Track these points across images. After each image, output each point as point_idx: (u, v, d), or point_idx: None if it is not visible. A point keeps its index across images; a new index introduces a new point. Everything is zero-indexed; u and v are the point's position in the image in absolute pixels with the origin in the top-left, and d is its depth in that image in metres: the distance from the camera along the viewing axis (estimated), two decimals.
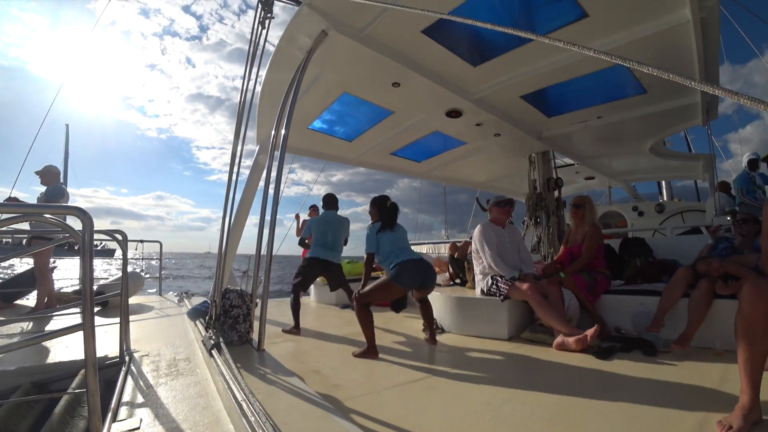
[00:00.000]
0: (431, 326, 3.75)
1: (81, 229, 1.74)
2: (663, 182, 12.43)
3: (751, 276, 2.79)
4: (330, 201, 5.08)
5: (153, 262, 8.56)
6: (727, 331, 2.73)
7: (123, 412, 2.17)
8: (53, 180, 5.38)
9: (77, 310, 4.96)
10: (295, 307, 4.37)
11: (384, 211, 3.73)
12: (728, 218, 4.88)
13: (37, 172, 5.40)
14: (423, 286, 3.55)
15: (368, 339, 3.25)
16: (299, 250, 8.01)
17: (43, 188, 5.26)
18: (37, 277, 5.27)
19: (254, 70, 3.68)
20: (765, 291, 1.77)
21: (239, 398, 1.86)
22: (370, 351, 3.22)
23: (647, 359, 2.94)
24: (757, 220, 3.62)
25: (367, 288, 3.40)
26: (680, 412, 2.01)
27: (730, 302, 2.84)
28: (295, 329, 4.20)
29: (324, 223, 4.85)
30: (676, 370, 2.70)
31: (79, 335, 1.66)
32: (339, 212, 5.09)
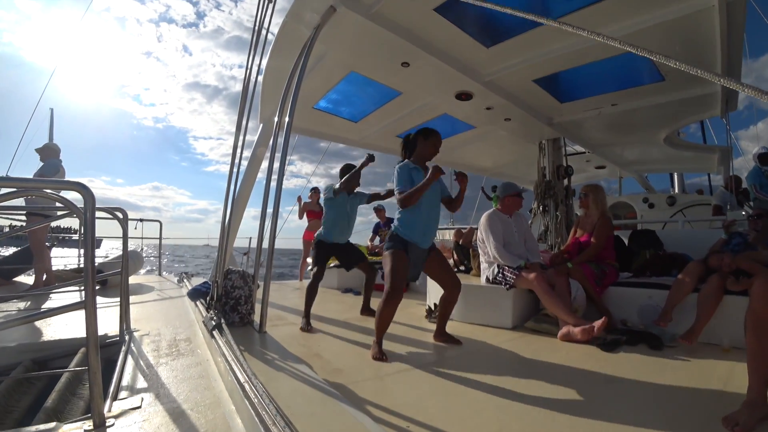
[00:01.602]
0: (443, 323, 3.32)
1: (82, 205, 1.74)
2: (675, 175, 12.36)
3: (763, 272, 2.79)
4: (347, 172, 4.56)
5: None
6: (736, 328, 2.74)
7: (124, 390, 2.20)
8: (50, 156, 5.40)
9: (76, 288, 5.02)
10: (310, 295, 3.96)
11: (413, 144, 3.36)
12: (743, 213, 4.85)
13: (37, 150, 5.43)
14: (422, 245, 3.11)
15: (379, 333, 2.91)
16: (299, 244, 8.12)
17: None
18: (34, 254, 5.32)
19: (258, 53, 3.63)
20: None
21: (241, 379, 1.88)
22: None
23: (653, 353, 2.95)
24: None
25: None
26: (686, 408, 2.03)
27: (741, 299, 2.84)
28: (306, 324, 3.73)
29: (338, 204, 4.32)
30: (682, 365, 2.72)
31: (80, 313, 1.68)
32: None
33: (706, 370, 2.60)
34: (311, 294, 3.93)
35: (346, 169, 4.40)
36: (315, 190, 8.28)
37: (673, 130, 6.40)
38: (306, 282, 7.36)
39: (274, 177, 3.19)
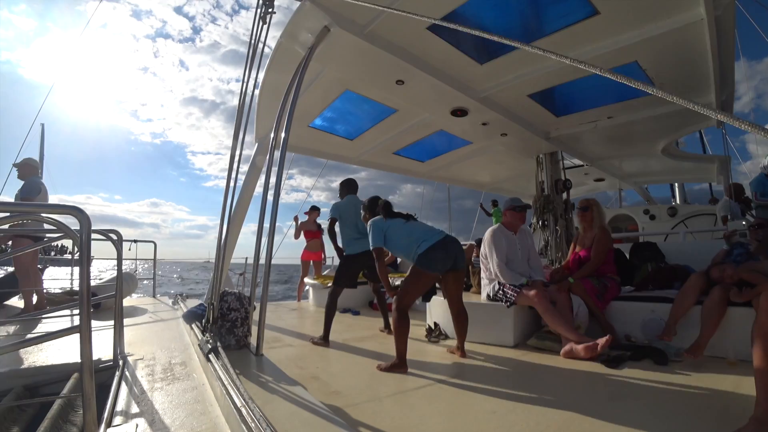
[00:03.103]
0: (461, 340, 3.48)
1: (78, 228, 1.76)
2: (676, 185, 12.42)
3: (767, 283, 2.81)
4: (351, 185, 4.73)
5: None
6: (741, 340, 2.76)
7: (118, 417, 2.19)
8: (31, 173, 5.33)
9: (68, 312, 4.99)
10: (329, 315, 4.12)
11: (377, 208, 3.63)
12: (743, 223, 4.89)
13: (16, 165, 5.38)
14: (455, 266, 3.28)
15: (400, 351, 3.04)
16: (298, 258, 8.04)
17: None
18: (19, 279, 5.27)
19: (254, 68, 3.70)
20: None
21: (238, 404, 1.88)
22: (401, 365, 3.00)
23: (658, 368, 2.96)
24: None
25: (400, 290, 3.18)
26: (692, 423, 2.03)
27: (745, 310, 2.85)
28: (323, 340, 3.98)
29: (354, 208, 4.45)
30: (687, 380, 2.72)
31: (73, 337, 1.69)
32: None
33: (712, 384, 2.61)
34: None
35: (347, 184, 4.60)
36: (313, 209, 8.24)
37: (671, 141, 6.48)
38: (304, 302, 7.32)
39: (271, 193, 3.22)
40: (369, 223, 3.53)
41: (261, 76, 4.19)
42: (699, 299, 3.33)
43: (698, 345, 3.06)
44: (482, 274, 4.15)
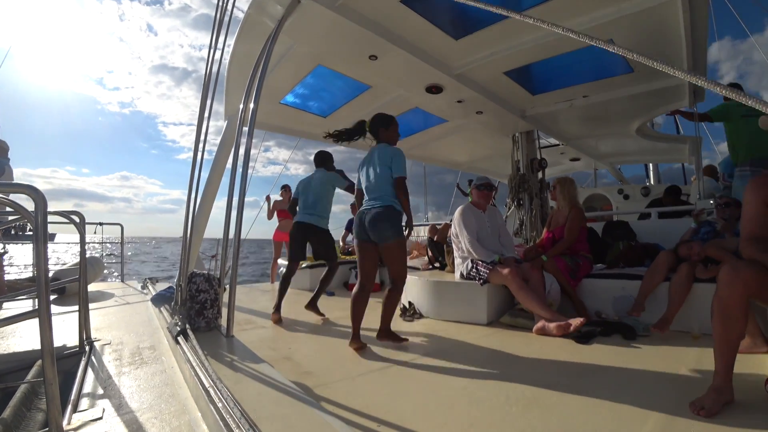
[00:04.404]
0: (382, 323, 3.27)
1: (33, 210, 1.71)
2: (651, 165, 12.72)
3: (730, 259, 2.93)
4: (320, 159, 4.65)
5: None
6: (705, 315, 2.86)
7: (84, 402, 2.18)
8: (1, 155, 5.23)
9: (27, 297, 4.88)
10: (281, 286, 4.29)
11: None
12: (711, 202, 5.06)
13: None
14: (369, 238, 3.15)
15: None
16: (271, 233, 7.97)
17: None
18: None
19: (221, 38, 3.61)
20: (742, 274, 1.85)
21: (207, 385, 1.89)
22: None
23: (626, 343, 3.07)
24: (740, 204, 3.77)
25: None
26: (656, 394, 2.13)
27: (710, 286, 2.95)
28: (275, 312, 4.06)
29: (305, 183, 4.49)
30: (654, 353, 2.84)
31: (34, 323, 1.66)
32: None
33: (677, 357, 2.73)
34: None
35: (323, 155, 4.57)
36: (285, 188, 8.13)
37: (645, 122, 6.63)
38: (278, 284, 7.32)
39: (240, 171, 3.19)
40: (400, 150, 3.27)
41: (230, 44, 4.09)
42: (667, 276, 3.47)
43: (665, 320, 3.19)
44: (455, 253, 4.21)
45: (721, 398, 1.87)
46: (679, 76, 1.21)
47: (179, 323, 2.94)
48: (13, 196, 1.99)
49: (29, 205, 1.76)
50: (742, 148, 4.66)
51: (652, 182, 12.50)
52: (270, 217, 7.98)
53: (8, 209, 2.80)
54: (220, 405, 1.67)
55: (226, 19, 3.57)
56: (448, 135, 7.14)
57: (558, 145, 8.07)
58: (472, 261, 3.94)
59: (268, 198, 8.10)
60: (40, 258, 1.72)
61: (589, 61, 4.65)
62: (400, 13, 3.64)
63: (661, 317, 3.23)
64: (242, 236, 3.24)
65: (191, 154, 3.80)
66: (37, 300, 1.65)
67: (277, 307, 4.09)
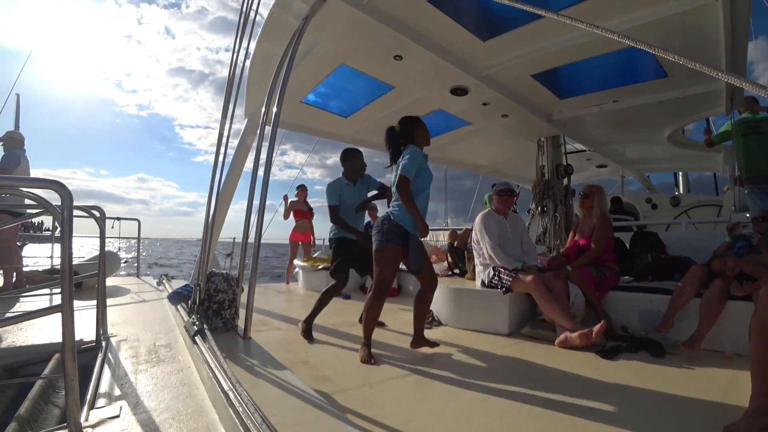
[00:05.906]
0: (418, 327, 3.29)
1: (59, 204, 1.75)
2: (680, 174, 12.47)
3: None
4: (348, 156, 4.21)
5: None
6: (739, 334, 2.80)
7: (101, 399, 2.22)
8: (15, 146, 5.39)
9: (48, 291, 4.99)
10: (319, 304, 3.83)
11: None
12: (747, 215, 4.94)
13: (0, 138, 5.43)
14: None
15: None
16: (287, 236, 8.03)
17: None
18: (1, 255, 5.28)
19: (245, 37, 3.64)
20: None
21: (226, 387, 1.90)
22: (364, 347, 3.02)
23: (654, 361, 3.01)
24: None
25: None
26: (686, 417, 2.08)
27: (744, 304, 2.89)
28: (306, 327, 3.68)
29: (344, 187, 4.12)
30: (684, 373, 2.77)
31: (54, 317, 1.69)
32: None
33: (708, 378, 2.66)
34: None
35: (349, 153, 4.21)
36: (301, 188, 8.19)
37: (677, 128, 6.50)
38: (293, 285, 7.34)
39: (261, 172, 3.21)
40: (414, 148, 3.28)
41: (252, 46, 4.13)
42: (699, 291, 3.37)
43: (696, 338, 3.10)
44: (476, 261, 4.18)
45: (759, 424, 1.80)
46: (720, 78, 1.18)
47: (197, 323, 2.97)
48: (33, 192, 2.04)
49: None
50: (742, 166, 4.81)
51: (681, 191, 12.25)
52: (287, 216, 8.04)
53: (27, 202, 2.87)
54: (240, 409, 1.68)
55: (251, 17, 3.60)
56: (471, 138, 7.10)
57: (585, 150, 7.96)
58: (494, 269, 3.91)
59: (285, 197, 8.17)
60: (65, 253, 1.76)
61: (619, 65, 4.58)
62: (426, 13, 3.63)
63: (691, 335, 3.14)
64: (261, 233, 3.26)
65: (208, 156, 3.84)
66: (58, 295, 1.68)
67: (310, 320, 3.73)
